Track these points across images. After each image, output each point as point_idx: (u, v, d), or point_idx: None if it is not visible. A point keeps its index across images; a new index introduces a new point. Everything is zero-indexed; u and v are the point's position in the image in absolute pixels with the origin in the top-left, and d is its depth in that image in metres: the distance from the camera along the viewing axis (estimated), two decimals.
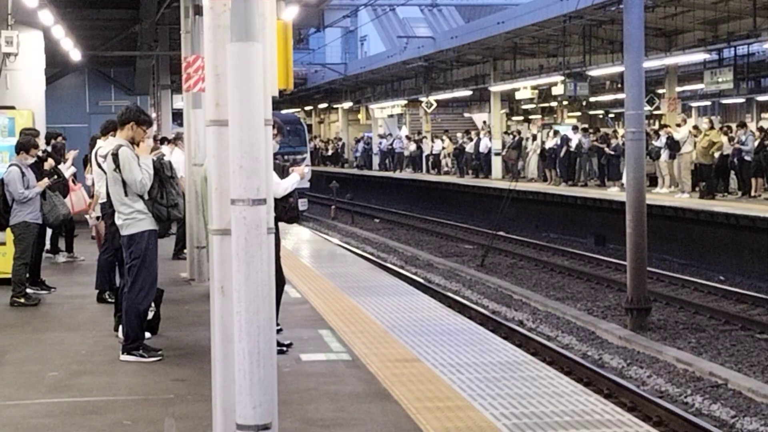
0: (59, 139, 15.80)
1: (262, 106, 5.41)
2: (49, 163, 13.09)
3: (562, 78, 30.40)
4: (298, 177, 9.01)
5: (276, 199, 8.27)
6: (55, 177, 13.03)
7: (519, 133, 37.14)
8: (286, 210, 8.77)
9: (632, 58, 15.60)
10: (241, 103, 5.29)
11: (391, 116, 51.35)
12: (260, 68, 5.36)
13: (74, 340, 9.98)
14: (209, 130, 5.86)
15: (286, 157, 27.69)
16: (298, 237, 20.16)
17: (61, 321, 11.12)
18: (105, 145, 9.68)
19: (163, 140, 19.39)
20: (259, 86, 5.34)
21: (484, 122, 44.20)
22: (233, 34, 5.33)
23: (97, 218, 14.86)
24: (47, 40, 19.24)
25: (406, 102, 46.34)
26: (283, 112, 48.95)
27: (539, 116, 41.14)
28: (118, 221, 9.12)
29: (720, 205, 22.28)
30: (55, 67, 26.83)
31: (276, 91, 6.39)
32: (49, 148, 14.60)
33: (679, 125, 26.49)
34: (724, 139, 24.67)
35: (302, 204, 30.26)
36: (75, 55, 24.40)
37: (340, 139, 58.00)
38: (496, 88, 37.26)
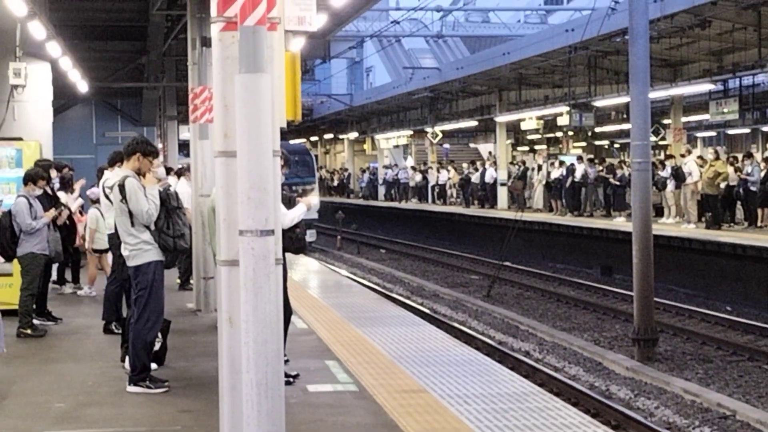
0: (66, 170, 15.83)
1: (270, 137, 5.43)
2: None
3: (568, 108, 30.46)
4: (305, 208, 9.01)
5: (283, 230, 8.29)
6: (62, 208, 13.06)
7: (524, 163, 37.18)
8: (293, 241, 8.77)
9: (638, 89, 15.62)
10: (249, 134, 5.31)
11: (396, 147, 51.48)
12: (268, 99, 5.39)
13: (81, 371, 9.97)
14: (217, 161, 5.88)
15: (294, 187, 27.72)
16: (304, 267, 20.15)
17: (67, 352, 11.11)
18: (112, 176, 9.70)
19: (169, 170, 19.43)
20: (267, 117, 5.36)
21: (490, 153, 44.29)
22: (242, 65, 5.35)
23: (95, 251, 14.94)
24: (55, 72, 19.34)
25: (411, 132, 46.45)
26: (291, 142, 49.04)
27: (545, 146, 41.21)
28: (124, 252, 9.13)
29: (726, 236, 22.25)
30: (63, 98, 26.97)
31: (284, 122, 6.41)
32: (57, 179, 14.64)
33: (683, 155, 26.50)
34: (730, 169, 24.66)
35: (310, 235, 30.25)
36: (82, 86, 24.51)
37: (346, 170, 58.11)
38: (502, 118, 37.34)
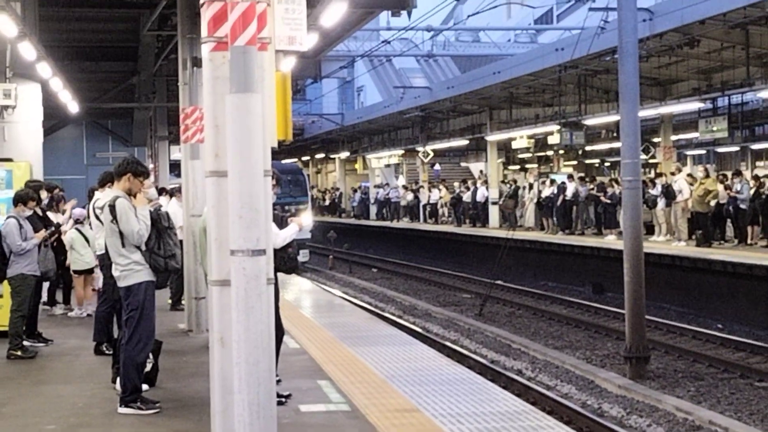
0: (57, 191, 15.81)
1: (261, 157, 5.43)
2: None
3: (558, 127, 30.51)
4: (297, 227, 9.01)
5: (275, 250, 8.28)
6: (53, 229, 13.05)
7: (515, 182, 37.24)
8: (284, 260, 8.77)
9: (628, 108, 15.68)
10: (241, 154, 5.32)
11: (388, 166, 51.52)
12: (259, 119, 5.40)
13: (72, 392, 9.93)
14: (208, 180, 5.88)
15: (286, 207, 27.68)
16: (296, 287, 20.13)
17: (58, 373, 11.07)
18: (102, 197, 9.70)
19: (162, 191, 19.43)
20: (258, 137, 5.37)
21: (481, 171, 44.33)
22: (232, 85, 5.37)
23: (74, 272, 14.92)
24: (45, 93, 19.33)
25: (402, 152, 46.49)
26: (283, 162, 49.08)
27: (536, 165, 41.26)
28: (115, 273, 9.11)
29: (717, 253, 22.29)
30: (53, 119, 26.97)
31: (275, 142, 6.42)
32: (46, 200, 14.62)
33: (673, 173, 26.57)
34: (720, 187, 24.72)
35: (303, 255, 30.19)
36: (73, 107, 24.51)
37: (338, 189, 58.13)
38: (493, 137, 37.41)
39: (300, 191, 33.75)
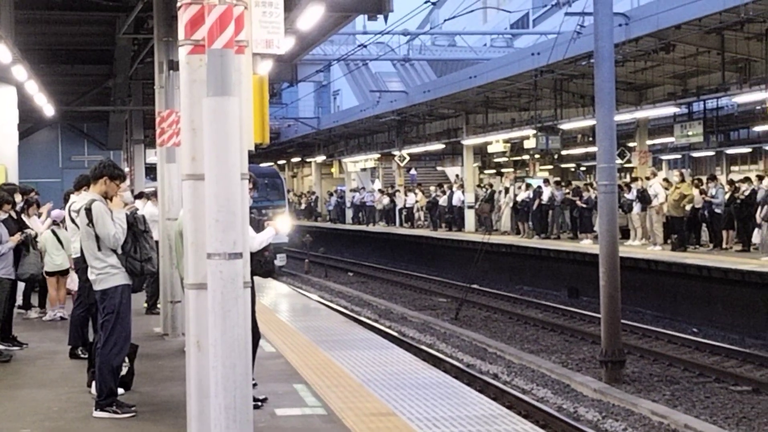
0: (32, 194, 15.73)
1: (238, 160, 5.43)
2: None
3: (534, 132, 30.62)
4: (274, 231, 9.00)
5: (251, 253, 8.26)
6: (27, 232, 12.98)
7: (491, 186, 37.30)
8: (261, 264, 8.75)
9: (603, 112, 15.73)
10: (218, 158, 5.31)
11: (364, 170, 51.53)
12: (236, 122, 5.39)
13: (47, 396, 9.88)
14: (185, 184, 5.87)
15: (264, 211, 27.63)
16: (273, 291, 20.09)
17: (33, 377, 11.00)
18: (78, 200, 9.65)
19: (140, 195, 19.36)
20: (235, 140, 5.36)
21: (457, 175, 44.38)
22: (209, 88, 5.36)
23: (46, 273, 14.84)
24: (20, 96, 19.25)
25: (379, 155, 46.53)
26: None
27: (512, 169, 41.36)
28: (91, 276, 9.07)
29: (692, 257, 22.41)
30: (29, 122, 26.85)
31: (252, 145, 6.41)
32: (21, 204, 14.54)
33: (648, 178, 26.69)
34: (695, 191, 24.86)
35: (281, 259, 30.15)
36: (48, 110, 24.41)
37: (314, 193, 58.08)
38: (469, 141, 37.47)
39: (277, 195, 33.70)
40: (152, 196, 17.00)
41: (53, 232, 14.60)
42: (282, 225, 9.02)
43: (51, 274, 14.91)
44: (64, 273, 14.86)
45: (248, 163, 6.11)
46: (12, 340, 12.77)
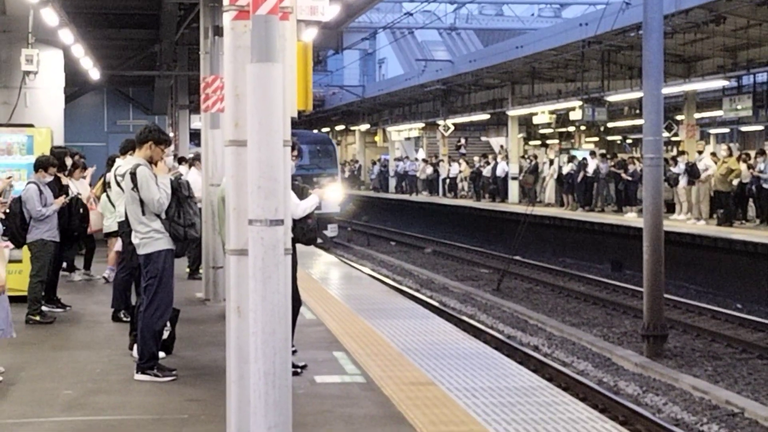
0: (77, 157, 15.83)
1: (281, 127, 5.40)
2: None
3: (580, 103, 30.38)
4: (317, 199, 8.99)
5: (294, 221, 8.26)
6: (72, 195, 13.07)
7: (536, 157, 37.11)
8: (303, 231, 8.75)
9: (651, 84, 15.57)
10: (260, 124, 5.28)
11: (408, 139, 51.43)
12: (280, 89, 5.36)
13: (89, 358, 9.98)
14: (227, 150, 5.86)
15: (315, 179, 27.18)
16: (314, 259, 20.14)
17: (76, 339, 11.12)
18: (123, 164, 9.68)
19: (181, 160, 19.44)
20: (278, 107, 5.34)
21: (501, 146, 44.21)
22: (253, 54, 5.32)
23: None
24: (67, 59, 19.34)
25: (423, 125, 46.40)
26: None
27: (556, 141, 41.11)
28: (135, 240, 9.13)
29: (738, 233, 22.18)
30: (74, 85, 26.96)
31: (295, 111, 6.38)
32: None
33: (700, 152, 26.41)
34: (743, 166, 24.56)
35: (332, 230, 29.79)
36: (94, 74, 24.52)
37: (357, 161, 58.06)
38: (514, 112, 37.26)
39: (330, 162, 32.18)
40: (195, 161, 17.05)
41: (108, 195, 14.65)
42: (331, 194, 8.98)
43: (108, 234, 14.95)
44: (113, 233, 14.93)
45: (295, 129, 6.08)
46: (56, 302, 12.90)
